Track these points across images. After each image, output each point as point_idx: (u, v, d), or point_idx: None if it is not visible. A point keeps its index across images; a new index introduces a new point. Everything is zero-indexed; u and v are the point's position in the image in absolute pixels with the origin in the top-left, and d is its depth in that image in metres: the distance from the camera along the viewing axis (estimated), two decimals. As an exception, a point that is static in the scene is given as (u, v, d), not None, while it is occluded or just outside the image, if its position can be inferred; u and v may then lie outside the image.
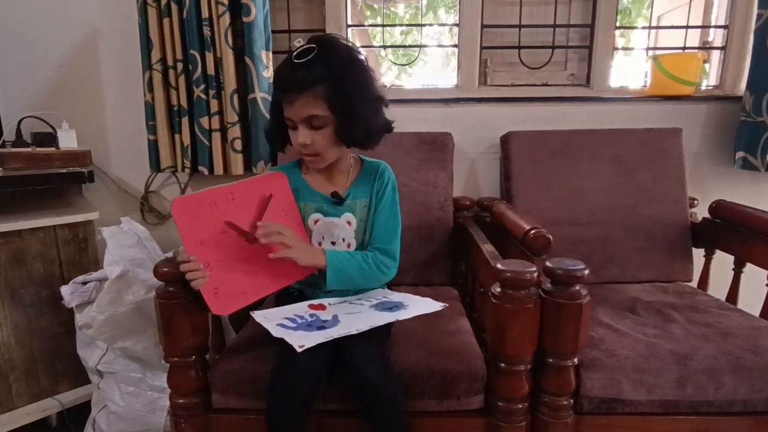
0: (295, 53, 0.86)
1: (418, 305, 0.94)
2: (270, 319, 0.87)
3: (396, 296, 1.00)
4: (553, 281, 0.87)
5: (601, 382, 0.93)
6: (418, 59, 1.74)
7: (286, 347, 0.77)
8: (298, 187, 1.01)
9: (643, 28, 1.78)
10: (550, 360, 0.90)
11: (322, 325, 0.85)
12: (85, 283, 1.24)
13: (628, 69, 1.81)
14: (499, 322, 0.86)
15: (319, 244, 1.00)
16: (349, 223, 1.00)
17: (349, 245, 1.01)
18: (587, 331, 0.92)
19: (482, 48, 1.63)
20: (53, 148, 1.33)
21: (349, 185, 1.02)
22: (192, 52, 1.39)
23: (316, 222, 1.00)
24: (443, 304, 0.94)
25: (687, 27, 1.67)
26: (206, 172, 1.48)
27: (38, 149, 1.30)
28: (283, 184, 0.96)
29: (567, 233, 1.38)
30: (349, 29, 1.65)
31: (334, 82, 0.85)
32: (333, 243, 1.00)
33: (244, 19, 1.38)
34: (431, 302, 0.95)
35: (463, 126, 1.58)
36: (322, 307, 0.94)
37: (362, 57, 0.92)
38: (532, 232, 1.05)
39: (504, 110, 1.60)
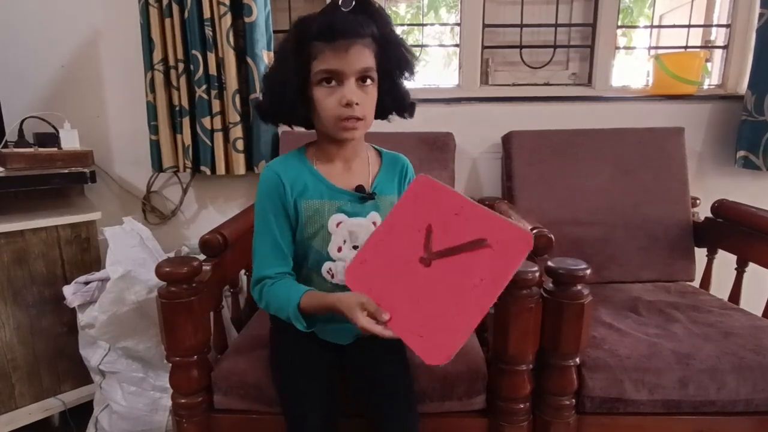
0: (342, 1, 0.74)
1: None
2: None
3: None
4: (555, 281, 0.87)
5: (603, 382, 0.93)
6: (419, 59, 1.74)
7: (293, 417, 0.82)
8: (314, 183, 0.84)
9: (645, 27, 1.78)
10: (552, 360, 0.90)
11: None
12: (87, 283, 1.24)
13: (630, 68, 1.81)
14: (501, 321, 0.86)
15: (339, 249, 0.85)
16: (374, 223, 0.86)
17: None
18: (589, 330, 0.92)
19: (483, 47, 1.63)
20: (55, 149, 1.33)
21: (373, 178, 0.88)
22: (194, 52, 1.39)
23: (338, 224, 0.84)
24: None
25: (689, 26, 1.66)
26: (208, 172, 1.48)
27: (40, 149, 1.30)
28: (519, 252, 0.64)
29: (569, 233, 1.38)
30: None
31: (383, 39, 0.78)
32: (355, 247, 0.85)
33: (246, 20, 1.38)
34: None
35: (465, 126, 1.58)
36: None
37: None
38: (534, 231, 1.05)
39: (505, 110, 1.60)
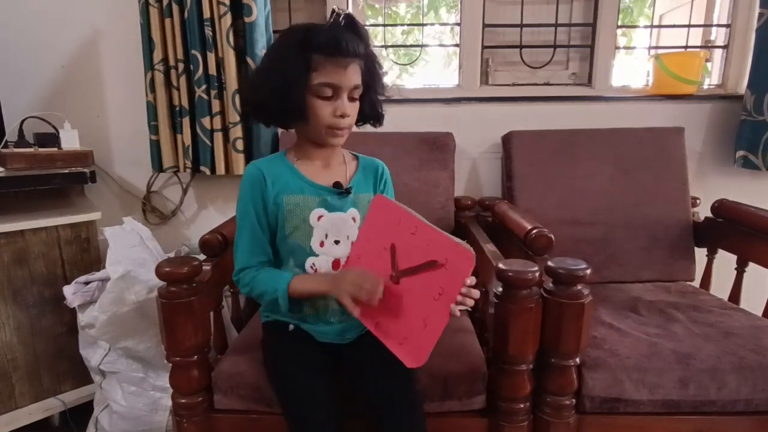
0: (341, 18, 0.83)
1: None
2: None
3: None
4: (555, 281, 0.87)
5: (603, 381, 0.93)
6: (419, 59, 1.74)
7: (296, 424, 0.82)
8: (295, 179, 0.91)
9: (645, 27, 1.78)
10: (552, 360, 0.90)
11: None
12: (87, 283, 1.25)
13: (630, 68, 1.81)
14: (501, 321, 0.86)
15: (321, 244, 0.90)
16: (354, 219, 0.92)
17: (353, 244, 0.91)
18: (589, 330, 0.93)
19: (483, 47, 1.63)
20: (55, 149, 1.33)
21: (350, 177, 0.95)
22: (194, 52, 1.40)
23: (319, 218, 0.89)
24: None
25: (689, 26, 1.66)
26: (208, 172, 1.48)
27: (41, 149, 1.30)
28: (465, 268, 0.73)
29: (569, 233, 1.38)
30: (351, 29, 1.65)
31: (367, 57, 0.87)
32: (337, 242, 0.90)
33: (246, 20, 1.38)
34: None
35: (465, 125, 1.58)
36: None
37: None
38: (534, 231, 1.05)
39: (505, 110, 1.60)
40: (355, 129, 0.94)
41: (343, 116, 0.85)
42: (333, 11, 0.85)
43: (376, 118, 0.96)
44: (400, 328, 0.79)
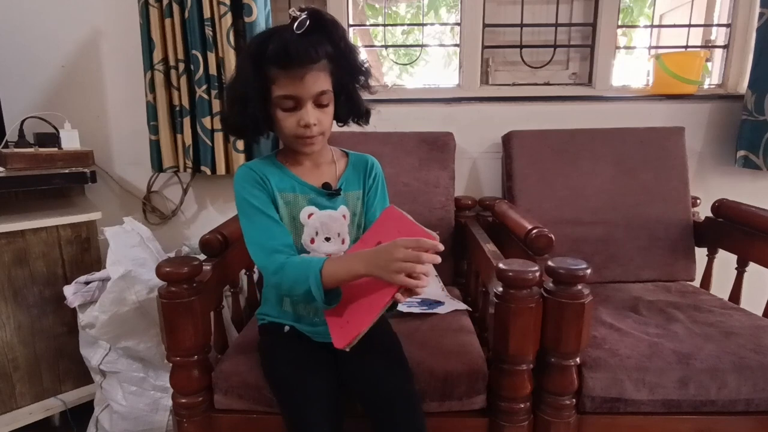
0: (296, 24, 0.78)
1: (452, 303, 1.19)
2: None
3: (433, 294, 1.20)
4: (556, 281, 0.87)
5: (604, 381, 0.93)
6: (419, 59, 1.74)
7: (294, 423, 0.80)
8: (286, 179, 0.90)
9: (646, 26, 1.78)
10: (553, 359, 0.90)
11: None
12: (87, 283, 1.25)
13: (631, 68, 1.81)
14: (502, 321, 0.86)
15: (312, 241, 0.90)
16: (344, 216, 0.92)
17: (343, 241, 0.92)
18: (589, 330, 0.92)
19: (484, 47, 1.63)
20: (56, 149, 1.33)
21: (340, 176, 0.94)
22: (194, 52, 1.40)
23: (309, 216, 0.89)
24: (467, 307, 1.18)
25: (689, 25, 1.66)
26: (208, 172, 1.48)
27: (41, 149, 1.30)
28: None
29: (569, 232, 1.38)
30: (351, 29, 1.65)
31: (337, 55, 0.82)
32: (327, 239, 0.91)
33: (246, 20, 1.38)
34: (459, 303, 1.20)
35: (465, 125, 1.58)
36: None
37: None
38: (534, 231, 1.05)
39: (506, 109, 1.60)
40: (337, 129, 0.93)
41: (307, 126, 0.82)
42: (291, 15, 0.80)
43: (358, 116, 0.92)
44: (350, 311, 0.79)
